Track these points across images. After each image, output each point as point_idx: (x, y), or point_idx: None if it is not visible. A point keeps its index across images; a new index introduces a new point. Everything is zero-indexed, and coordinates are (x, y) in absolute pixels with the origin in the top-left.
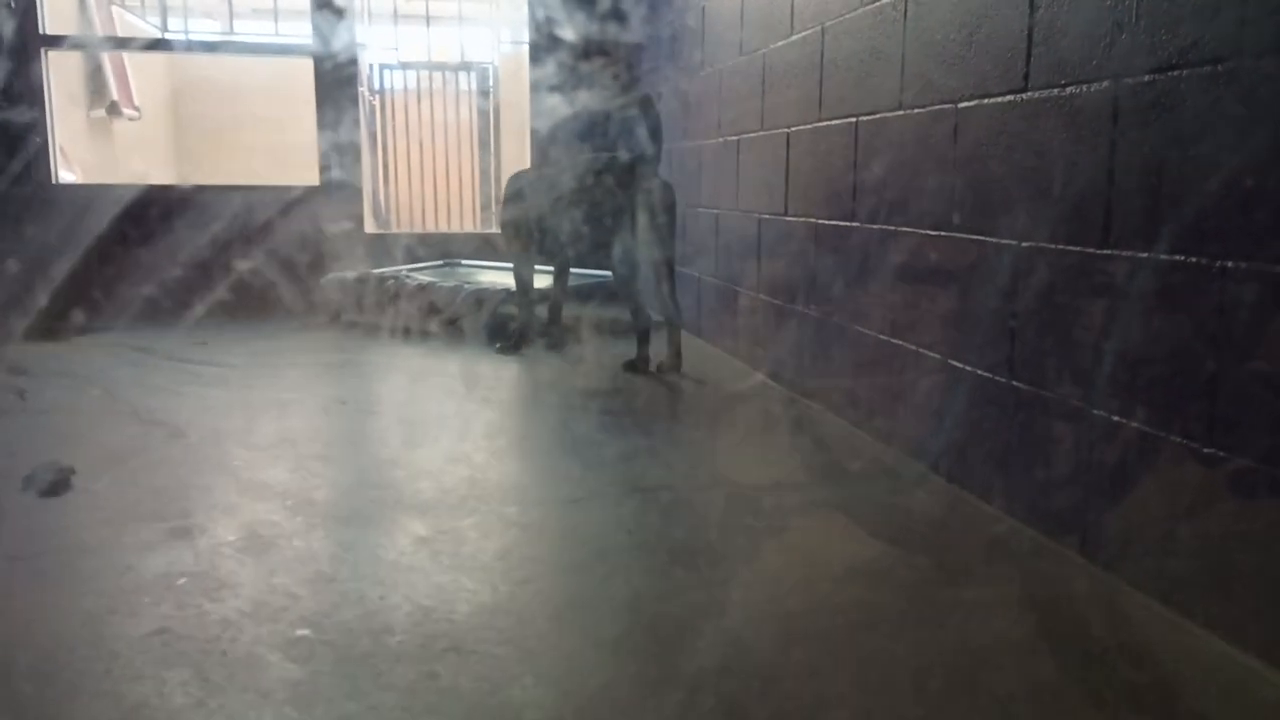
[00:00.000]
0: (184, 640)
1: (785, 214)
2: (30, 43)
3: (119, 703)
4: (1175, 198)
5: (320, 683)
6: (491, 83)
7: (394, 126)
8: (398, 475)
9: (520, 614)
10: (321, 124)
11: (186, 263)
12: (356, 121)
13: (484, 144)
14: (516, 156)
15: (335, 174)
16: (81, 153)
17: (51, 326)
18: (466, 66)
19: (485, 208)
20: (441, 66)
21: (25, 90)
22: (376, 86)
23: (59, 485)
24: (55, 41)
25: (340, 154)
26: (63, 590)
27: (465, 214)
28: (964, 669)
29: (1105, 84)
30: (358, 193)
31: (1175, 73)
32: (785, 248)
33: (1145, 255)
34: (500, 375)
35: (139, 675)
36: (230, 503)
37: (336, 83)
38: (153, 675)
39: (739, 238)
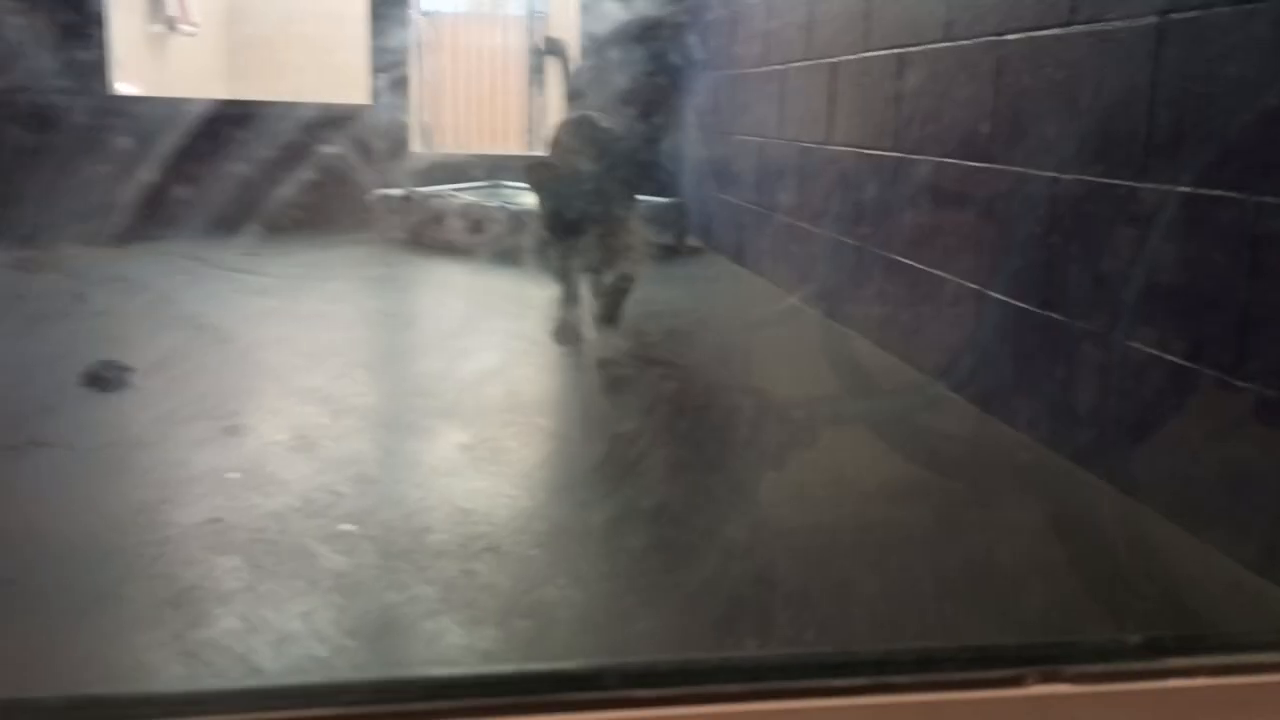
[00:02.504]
0: (234, 530)
1: (827, 143)
2: None
3: (172, 584)
4: (1213, 131)
5: (363, 574)
6: (541, 4)
7: (444, 48)
8: (438, 385)
9: (556, 519)
10: (372, 43)
11: (236, 175)
12: (406, 41)
13: (534, 67)
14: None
15: (385, 93)
16: (138, 65)
17: (105, 233)
18: None
19: (530, 130)
20: None
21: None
22: (426, 8)
23: (117, 382)
24: None
25: (390, 74)
26: (119, 481)
27: (512, 136)
28: (992, 587)
29: (1151, 18)
30: (405, 111)
31: (1220, 8)
32: (825, 176)
33: (1184, 189)
34: (536, 294)
35: (191, 560)
36: (277, 406)
37: (387, 1)
38: (204, 560)
39: (780, 165)
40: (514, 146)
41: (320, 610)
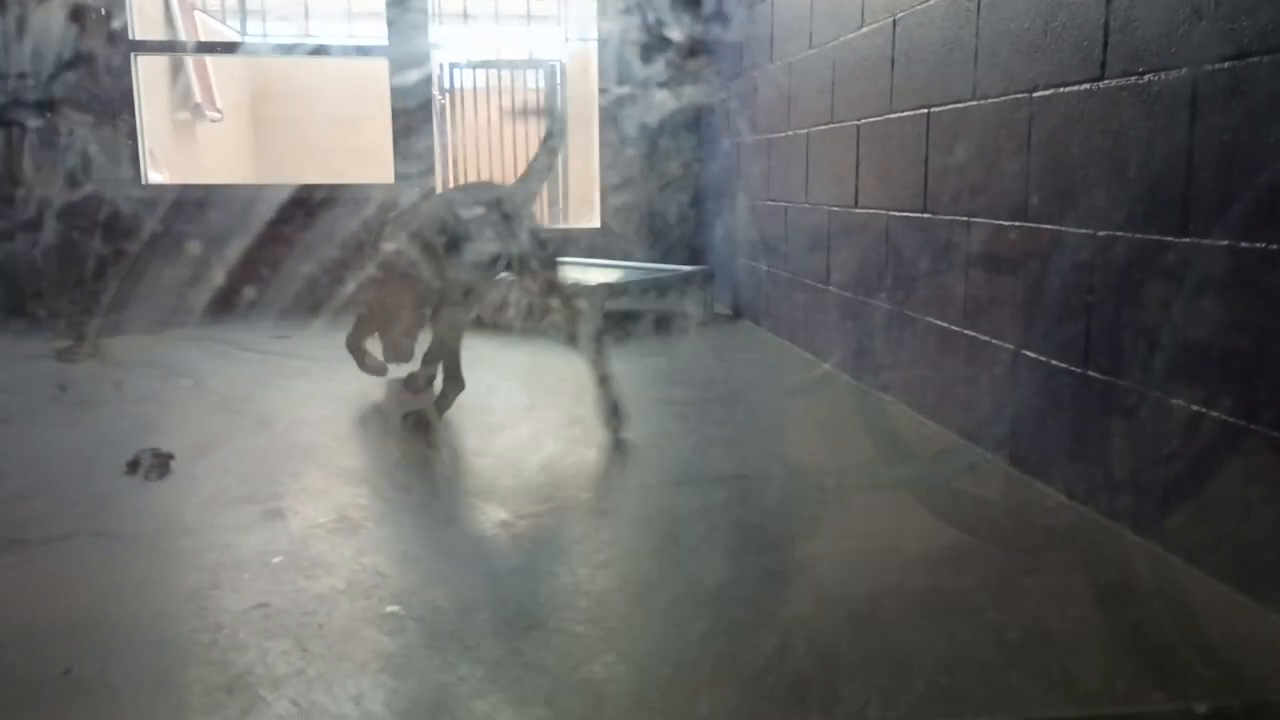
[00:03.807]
0: (283, 614)
1: (856, 206)
2: (120, 47)
3: (226, 670)
4: (1254, 184)
5: (412, 655)
6: (559, 79)
7: (464, 124)
8: (476, 462)
9: (599, 595)
10: (395, 125)
11: (268, 260)
12: (429, 121)
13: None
14: (584, 152)
15: (410, 173)
16: (167, 154)
17: (142, 322)
18: (535, 64)
19: (553, 204)
20: (510, 65)
21: (117, 93)
22: (446, 85)
23: (160, 470)
24: (144, 46)
25: (414, 154)
26: (168, 567)
27: (537, 209)
28: (1040, 653)
29: (1184, 71)
30: (432, 189)
31: (1255, 59)
32: (854, 239)
33: (1224, 242)
34: (570, 368)
35: (243, 645)
36: (319, 487)
37: (410, 83)
38: (256, 645)
39: (808, 230)
40: (537, 219)
41: (371, 692)
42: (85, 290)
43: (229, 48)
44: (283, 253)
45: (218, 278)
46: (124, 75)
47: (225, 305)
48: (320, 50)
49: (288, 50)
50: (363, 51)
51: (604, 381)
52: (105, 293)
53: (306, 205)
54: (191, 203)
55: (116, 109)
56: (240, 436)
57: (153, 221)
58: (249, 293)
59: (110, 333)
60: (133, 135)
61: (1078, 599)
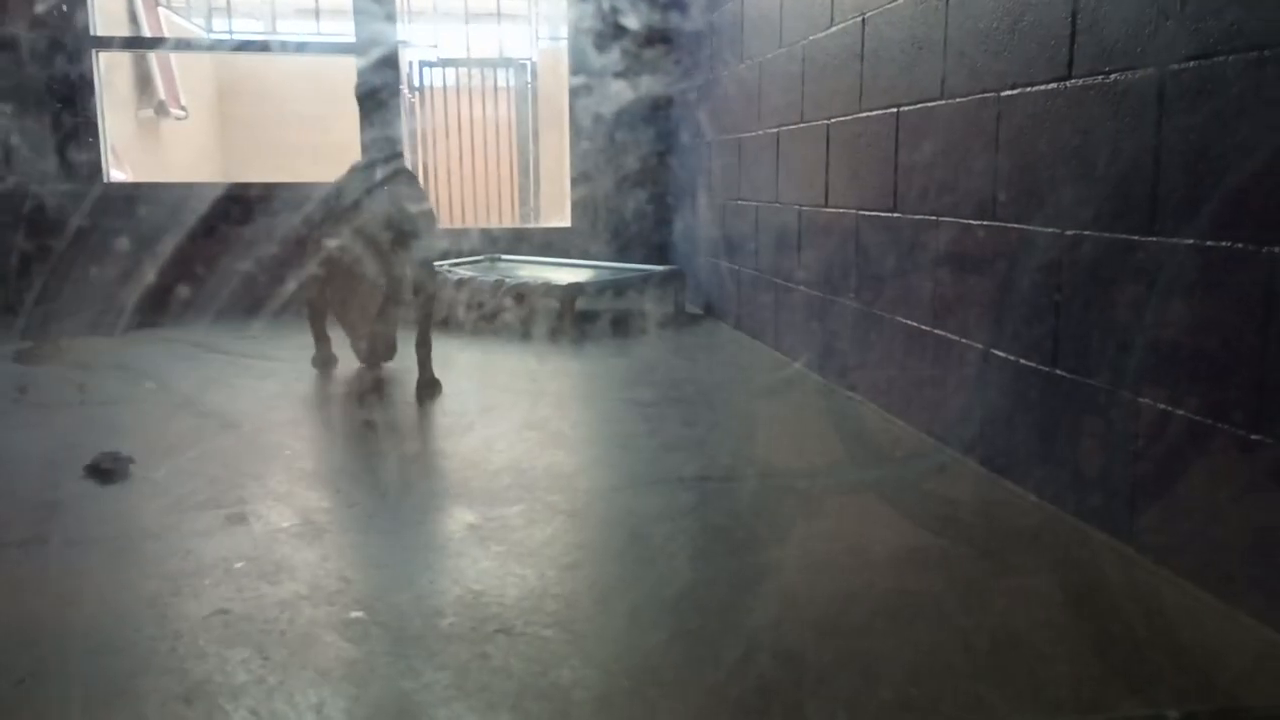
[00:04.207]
0: (244, 621)
1: (825, 205)
2: (82, 44)
3: (184, 679)
4: (1220, 183)
5: (375, 662)
6: (530, 77)
7: (434, 123)
8: (444, 464)
9: (568, 598)
10: (363, 122)
11: (234, 259)
12: (398, 119)
13: (523, 138)
14: (555, 150)
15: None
16: (130, 152)
17: (105, 322)
18: (505, 62)
19: (524, 202)
20: (480, 63)
21: (78, 90)
22: (416, 83)
23: (119, 473)
24: (106, 43)
25: (381, 148)
26: (128, 573)
27: (505, 208)
28: (1009, 659)
29: (1150, 70)
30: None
31: (1220, 58)
32: (825, 239)
33: (1191, 241)
34: (539, 368)
35: (202, 653)
36: (283, 491)
37: (378, 81)
38: (215, 653)
39: (777, 229)
40: (508, 220)
41: (332, 700)
42: (10, 289)
43: (192, 44)
44: (243, 251)
45: (167, 278)
46: (49, 63)
47: (183, 306)
48: (256, 45)
49: (230, 45)
50: (301, 47)
51: (422, 351)
52: (31, 291)
53: (268, 203)
54: (121, 198)
55: (39, 97)
56: (205, 439)
57: (79, 217)
58: (181, 291)
59: (66, 333)
60: (58, 127)
61: (1046, 602)
